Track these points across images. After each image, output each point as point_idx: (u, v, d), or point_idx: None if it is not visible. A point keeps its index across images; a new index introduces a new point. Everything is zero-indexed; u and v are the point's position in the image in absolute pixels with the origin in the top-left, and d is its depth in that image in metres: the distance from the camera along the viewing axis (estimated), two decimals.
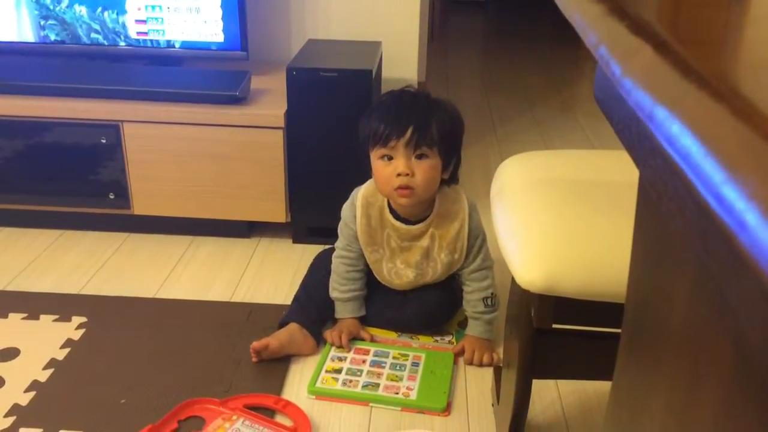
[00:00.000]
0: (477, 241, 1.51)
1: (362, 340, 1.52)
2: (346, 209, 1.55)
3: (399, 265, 1.53)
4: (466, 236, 1.49)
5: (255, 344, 1.43)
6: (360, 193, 1.53)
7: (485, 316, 1.51)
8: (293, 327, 1.48)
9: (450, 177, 1.51)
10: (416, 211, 1.50)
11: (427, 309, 1.55)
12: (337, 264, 1.55)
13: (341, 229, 1.55)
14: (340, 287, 1.54)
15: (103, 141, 1.84)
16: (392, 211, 1.51)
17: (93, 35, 1.98)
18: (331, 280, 1.55)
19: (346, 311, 1.54)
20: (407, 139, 1.41)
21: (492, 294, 1.52)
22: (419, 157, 1.43)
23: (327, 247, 1.66)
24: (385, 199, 1.51)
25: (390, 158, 1.43)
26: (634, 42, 0.40)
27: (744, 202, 0.26)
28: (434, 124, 1.43)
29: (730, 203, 0.27)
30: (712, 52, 0.40)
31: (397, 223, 1.50)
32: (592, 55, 0.47)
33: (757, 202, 0.25)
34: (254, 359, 1.44)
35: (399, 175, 1.42)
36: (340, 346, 1.49)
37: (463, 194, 1.52)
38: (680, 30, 0.44)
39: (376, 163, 1.46)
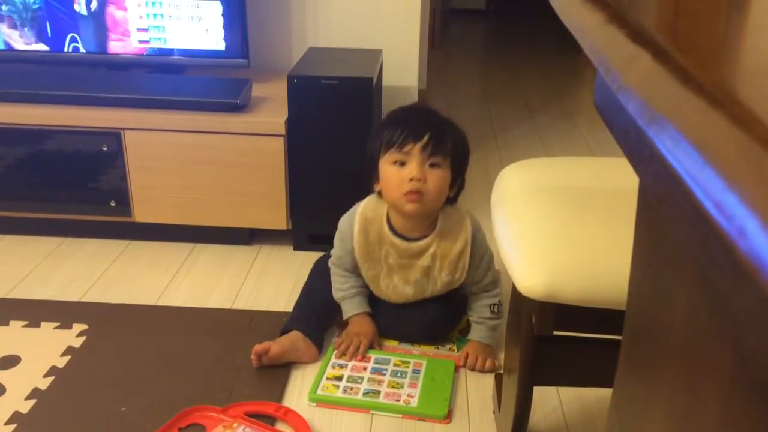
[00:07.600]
0: (483, 260, 1.49)
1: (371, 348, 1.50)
2: (344, 222, 1.52)
3: (397, 282, 1.50)
4: (468, 257, 1.47)
5: (257, 347, 1.43)
6: (359, 210, 1.50)
7: (490, 322, 1.51)
8: (296, 335, 1.48)
9: (453, 197, 1.50)
10: (417, 227, 1.47)
11: (428, 323, 1.53)
12: (333, 269, 1.55)
13: (337, 242, 1.54)
14: (343, 285, 1.53)
15: (105, 149, 1.84)
16: (392, 228, 1.49)
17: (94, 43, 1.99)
18: (332, 282, 1.55)
19: (354, 307, 1.52)
20: (424, 143, 1.40)
21: (499, 302, 1.52)
22: (432, 165, 1.42)
23: (326, 253, 1.65)
24: (385, 216, 1.49)
25: (403, 164, 1.42)
26: (633, 50, 0.40)
27: (743, 209, 0.26)
28: (449, 137, 1.44)
29: (729, 210, 0.27)
30: (711, 60, 0.41)
31: (396, 240, 1.48)
32: (592, 63, 0.47)
33: (756, 209, 0.25)
34: (255, 363, 1.43)
35: (411, 180, 1.40)
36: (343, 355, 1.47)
37: (466, 215, 1.49)
38: (679, 38, 0.44)
39: (388, 170, 1.43)
